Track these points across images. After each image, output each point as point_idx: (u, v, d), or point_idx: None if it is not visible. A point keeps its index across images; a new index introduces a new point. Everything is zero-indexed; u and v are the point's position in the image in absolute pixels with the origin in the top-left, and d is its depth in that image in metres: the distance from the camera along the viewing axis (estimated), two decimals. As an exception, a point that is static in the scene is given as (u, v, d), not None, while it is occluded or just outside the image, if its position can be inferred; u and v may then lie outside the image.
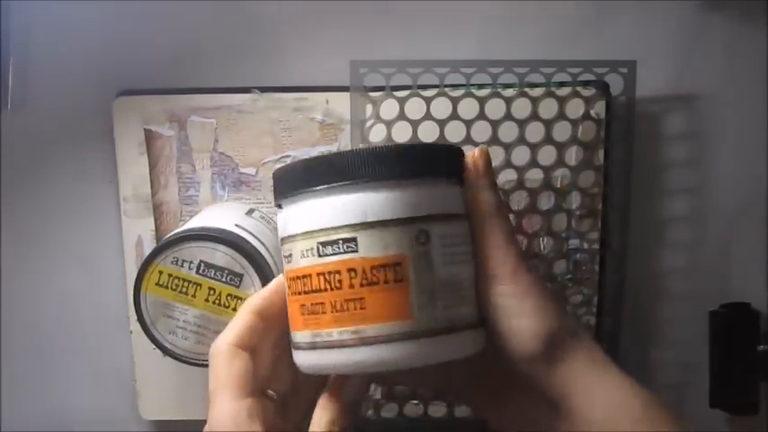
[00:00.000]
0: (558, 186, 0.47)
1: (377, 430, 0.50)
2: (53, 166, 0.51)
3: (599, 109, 0.47)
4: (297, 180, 0.33)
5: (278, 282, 0.37)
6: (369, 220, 0.31)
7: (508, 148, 0.47)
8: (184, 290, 0.41)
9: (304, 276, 0.33)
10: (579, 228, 0.48)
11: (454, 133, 0.46)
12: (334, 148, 0.49)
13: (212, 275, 0.41)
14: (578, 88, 0.46)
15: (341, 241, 0.31)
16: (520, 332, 0.33)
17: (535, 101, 0.46)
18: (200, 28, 0.49)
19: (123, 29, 0.49)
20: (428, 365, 0.32)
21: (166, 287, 0.41)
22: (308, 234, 0.32)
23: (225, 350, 0.35)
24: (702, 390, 0.52)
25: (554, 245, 0.48)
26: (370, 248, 0.31)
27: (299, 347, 0.34)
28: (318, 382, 0.38)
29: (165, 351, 0.42)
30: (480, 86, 0.46)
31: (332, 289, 0.32)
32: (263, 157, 0.49)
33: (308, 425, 0.34)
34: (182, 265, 0.41)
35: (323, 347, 0.32)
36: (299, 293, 0.33)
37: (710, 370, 0.51)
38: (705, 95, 0.49)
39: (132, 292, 0.41)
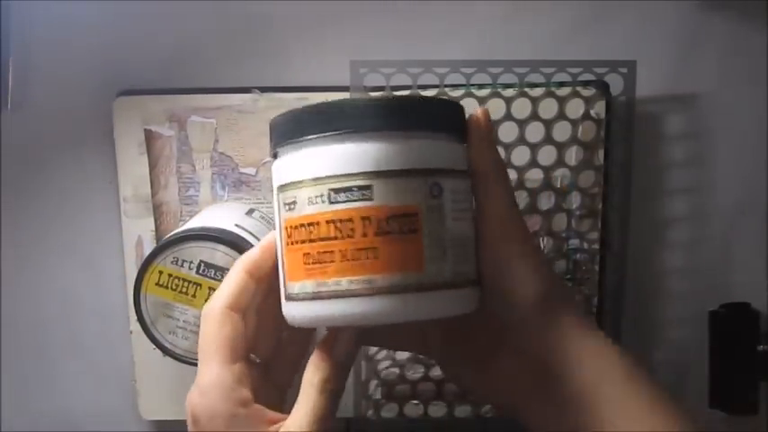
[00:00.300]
0: (558, 186, 0.47)
1: (377, 430, 0.50)
2: (53, 167, 0.51)
3: (599, 109, 0.47)
4: (304, 125, 0.32)
5: (269, 239, 0.36)
6: (385, 168, 0.31)
7: (508, 148, 0.47)
8: (184, 290, 0.41)
9: (311, 224, 0.31)
10: (579, 228, 0.48)
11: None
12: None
13: (212, 275, 0.41)
14: (578, 88, 0.46)
15: (355, 188, 0.31)
16: (520, 290, 0.34)
17: (535, 101, 0.46)
18: (200, 28, 0.49)
19: (123, 29, 0.49)
20: (432, 319, 0.32)
21: (166, 287, 0.41)
22: (317, 180, 0.31)
23: (218, 312, 0.34)
24: (702, 390, 0.52)
25: (554, 245, 0.48)
26: (385, 197, 0.31)
27: (295, 299, 0.33)
28: (302, 346, 0.38)
29: (165, 351, 0.42)
30: (480, 86, 0.46)
31: (343, 237, 0.31)
32: (263, 157, 0.49)
33: (298, 386, 0.34)
34: (182, 265, 0.41)
35: (329, 297, 0.31)
36: (303, 242, 0.32)
37: (710, 370, 0.51)
38: (705, 95, 0.49)
39: (132, 292, 0.41)
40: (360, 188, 0.31)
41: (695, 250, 0.51)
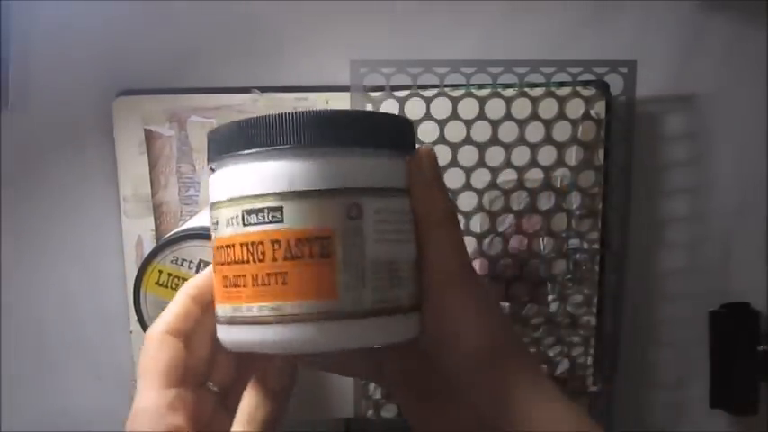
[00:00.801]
0: (558, 186, 0.47)
1: (377, 430, 0.50)
2: (53, 166, 0.51)
3: (599, 109, 0.47)
4: (226, 142, 0.30)
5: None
6: (296, 189, 0.29)
7: (508, 148, 0.47)
8: None
9: (227, 246, 0.30)
10: (579, 228, 0.48)
11: (454, 133, 0.46)
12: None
13: None
14: (578, 88, 0.46)
15: (266, 210, 0.29)
16: (461, 342, 0.32)
17: (535, 101, 0.46)
18: (200, 28, 0.49)
19: (123, 29, 0.49)
20: (351, 349, 0.30)
21: (166, 286, 0.41)
22: (233, 201, 0.30)
23: (155, 337, 0.33)
24: (702, 390, 0.52)
25: (554, 245, 0.48)
26: (296, 219, 0.29)
27: (219, 322, 0.32)
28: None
29: None
30: (480, 86, 0.46)
31: (254, 261, 0.29)
32: (263, 157, 0.49)
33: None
34: (181, 265, 0.41)
35: (242, 323, 0.30)
36: (223, 264, 0.30)
37: (710, 370, 0.51)
38: (705, 95, 0.49)
39: (132, 292, 0.41)
40: (270, 210, 0.29)
41: (695, 250, 0.51)
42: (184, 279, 0.41)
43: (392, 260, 0.31)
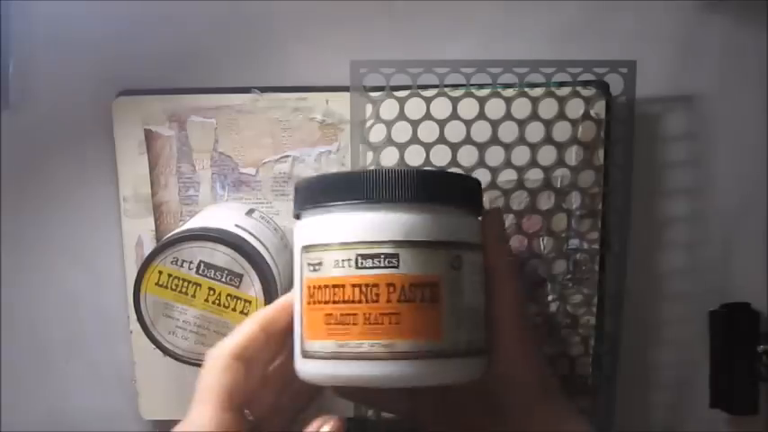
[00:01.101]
0: (558, 186, 0.47)
1: (377, 430, 0.50)
2: (53, 166, 0.51)
3: (599, 109, 0.47)
4: (333, 191, 0.34)
5: (287, 299, 0.37)
6: (412, 238, 0.33)
7: (508, 148, 0.47)
8: (184, 290, 0.41)
9: (335, 286, 0.33)
10: (579, 228, 0.48)
11: (454, 133, 0.46)
12: (333, 148, 0.49)
13: (212, 276, 0.41)
14: (578, 88, 0.46)
15: (383, 256, 0.32)
16: (517, 377, 0.37)
17: (535, 101, 0.46)
18: (200, 28, 0.49)
19: (123, 29, 0.49)
20: (444, 384, 0.34)
21: (166, 287, 0.41)
22: (345, 245, 0.33)
23: (223, 359, 0.35)
24: (702, 390, 0.52)
25: (554, 245, 0.48)
26: (410, 266, 0.32)
27: (314, 356, 0.34)
28: (298, 409, 0.39)
29: (165, 351, 0.42)
30: (480, 86, 0.46)
31: (367, 301, 0.32)
32: (263, 157, 0.49)
33: None
34: (181, 266, 0.41)
35: (349, 358, 0.33)
36: (327, 302, 0.33)
37: (710, 370, 0.51)
38: (705, 95, 0.49)
39: (132, 293, 0.41)
40: (387, 256, 0.32)
41: (695, 250, 0.51)
42: (184, 280, 0.41)
43: (478, 307, 0.35)
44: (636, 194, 0.49)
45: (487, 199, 0.47)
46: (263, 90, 0.48)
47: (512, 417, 0.37)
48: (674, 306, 0.52)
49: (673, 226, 0.51)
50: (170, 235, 0.42)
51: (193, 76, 0.49)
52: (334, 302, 0.33)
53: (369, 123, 0.47)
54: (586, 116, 0.47)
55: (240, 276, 0.41)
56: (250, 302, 0.41)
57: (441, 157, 0.47)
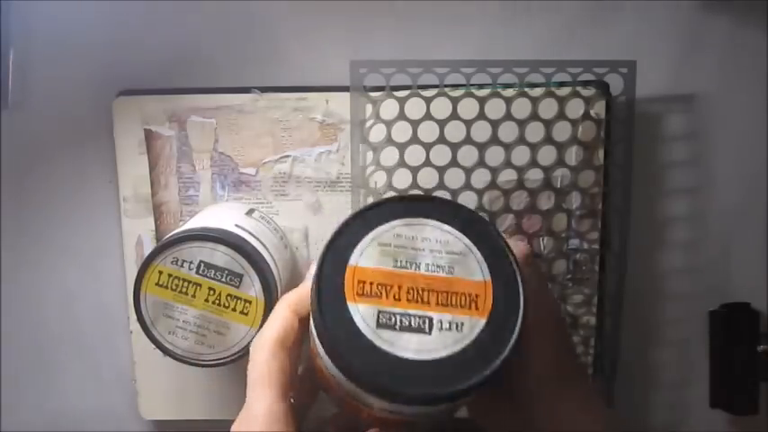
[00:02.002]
0: (558, 186, 0.47)
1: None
2: (53, 166, 0.51)
3: (599, 109, 0.47)
4: None
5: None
6: None
7: (508, 148, 0.47)
8: (184, 290, 0.41)
9: None
10: (579, 228, 0.48)
11: (454, 133, 0.46)
12: (333, 148, 0.49)
13: (212, 276, 0.41)
14: (578, 88, 0.46)
15: None
16: (538, 363, 0.36)
17: (535, 101, 0.46)
18: (200, 28, 0.49)
19: (123, 29, 0.49)
20: None
21: (166, 287, 0.41)
22: None
23: (269, 345, 0.35)
24: (702, 390, 0.52)
25: (554, 245, 0.48)
26: None
27: None
28: (305, 407, 0.39)
29: (165, 351, 0.42)
30: (480, 86, 0.46)
31: None
32: (263, 157, 0.49)
33: None
34: (182, 266, 0.41)
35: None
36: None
37: (710, 370, 0.51)
38: (705, 95, 0.49)
39: (132, 293, 0.41)
40: None
41: (695, 250, 0.51)
42: (184, 280, 0.41)
43: None
44: (636, 194, 0.49)
45: (488, 199, 0.47)
46: (263, 90, 0.48)
47: (524, 401, 0.36)
48: (674, 306, 0.52)
49: (673, 226, 0.51)
50: (170, 235, 0.42)
51: (193, 76, 0.49)
52: None
53: (369, 123, 0.47)
54: (586, 116, 0.46)
55: (240, 276, 0.41)
56: (250, 302, 0.41)
57: (441, 157, 0.47)
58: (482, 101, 0.46)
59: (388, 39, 0.49)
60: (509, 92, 0.46)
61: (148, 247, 0.50)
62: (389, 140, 0.47)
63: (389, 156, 0.47)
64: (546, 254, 0.48)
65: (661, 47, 0.49)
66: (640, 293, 0.51)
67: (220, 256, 0.41)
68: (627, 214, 0.48)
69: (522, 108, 0.46)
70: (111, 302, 0.52)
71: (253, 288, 0.41)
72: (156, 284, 0.41)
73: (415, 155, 0.47)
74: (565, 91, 0.46)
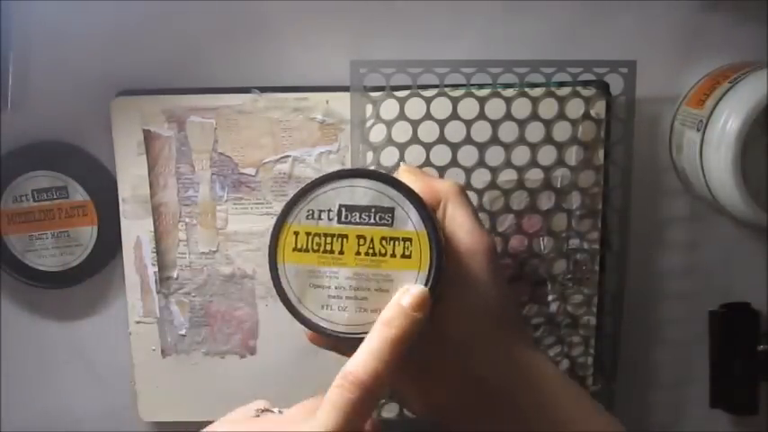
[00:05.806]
0: (558, 186, 0.47)
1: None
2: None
3: (599, 109, 0.47)
4: None
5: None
6: None
7: (508, 148, 0.47)
8: (328, 247, 0.34)
9: None
10: (579, 228, 0.48)
11: (454, 133, 0.46)
12: (333, 148, 0.48)
13: (357, 220, 0.34)
14: (578, 88, 0.46)
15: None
16: (475, 309, 0.37)
17: (535, 101, 0.46)
18: (199, 28, 0.49)
19: (123, 29, 0.49)
20: None
21: (306, 250, 0.35)
22: None
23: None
24: (702, 390, 0.52)
25: (554, 245, 0.48)
26: None
27: None
28: None
29: (322, 331, 0.35)
30: (480, 86, 0.46)
31: None
32: (263, 158, 0.49)
33: None
34: (319, 218, 0.34)
35: None
36: None
37: (710, 370, 0.51)
38: (705, 95, 0.49)
39: (269, 270, 0.35)
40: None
41: (695, 250, 0.51)
42: (326, 235, 0.35)
43: None
44: (636, 194, 0.49)
45: (488, 199, 0.47)
46: (263, 90, 0.48)
47: (463, 349, 0.36)
48: (674, 306, 0.52)
49: (673, 226, 0.51)
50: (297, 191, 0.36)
51: (193, 77, 0.49)
52: None
53: (369, 123, 0.47)
54: (586, 116, 0.46)
55: (391, 210, 0.34)
56: (410, 240, 0.34)
57: (441, 157, 0.47)
58: (482, 101, 0.46)
59: (388, 39, 0.49)
60: (509, 92, 0.46)
61: (147, 248, 0.49)
62: (390, 140, 0.47)
63: (390, 156, 0.47)
64: (546, 254, 0.48)
65: (661, 47, 0.49)
66: (640, 293, 0.51)
67: (362, 192, 0.34)
68: (627, 214, 0.48)
69: (522, 108, 0.46)
70: (110, 302, 0.52)
71: (410, 221, 0.34)
72: (295, 249, 0.35)
73: (415, 155, 0.47)
74: (565, 91, 0.46)
